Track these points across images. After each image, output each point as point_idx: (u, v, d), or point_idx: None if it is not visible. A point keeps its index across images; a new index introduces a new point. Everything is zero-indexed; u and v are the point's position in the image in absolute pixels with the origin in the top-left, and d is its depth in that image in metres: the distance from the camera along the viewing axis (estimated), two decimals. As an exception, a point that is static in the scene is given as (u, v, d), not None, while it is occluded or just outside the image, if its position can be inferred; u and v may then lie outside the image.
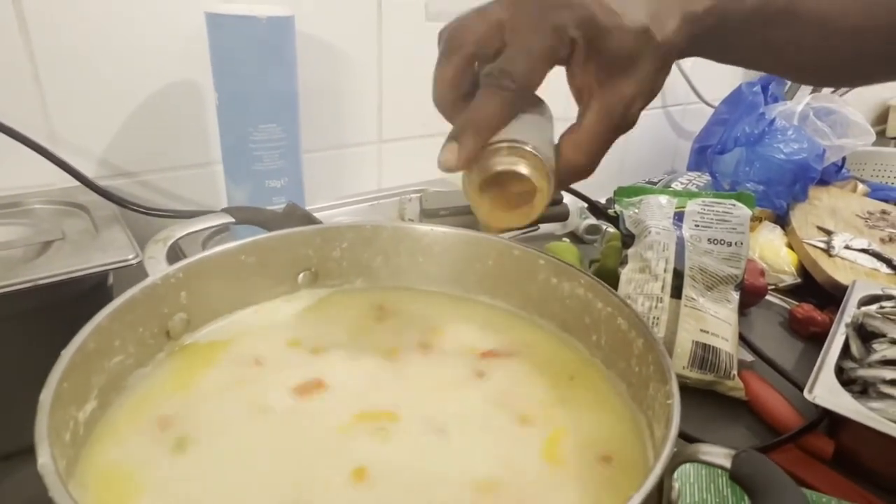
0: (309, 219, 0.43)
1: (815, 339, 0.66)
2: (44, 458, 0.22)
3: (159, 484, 0.28)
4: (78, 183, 0.55)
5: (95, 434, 0.31)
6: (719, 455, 0.24)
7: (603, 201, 0.86)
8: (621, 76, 0.32)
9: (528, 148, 0.30)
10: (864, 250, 0.76)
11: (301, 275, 0.43)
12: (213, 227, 0.41)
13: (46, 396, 0.24)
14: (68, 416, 0.27)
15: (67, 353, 0.27)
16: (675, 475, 0.26)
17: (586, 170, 0.33)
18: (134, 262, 0.45)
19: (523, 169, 0.29)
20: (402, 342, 0.40)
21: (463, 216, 0.69)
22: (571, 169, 0.33)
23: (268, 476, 0.29)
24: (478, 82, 0.31)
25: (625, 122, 0.34)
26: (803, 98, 0.93)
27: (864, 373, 0.52)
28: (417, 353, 0.39)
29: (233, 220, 0.42)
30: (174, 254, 0.42)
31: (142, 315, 0.34)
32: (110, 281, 0.50)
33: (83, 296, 0.47)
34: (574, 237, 0.88)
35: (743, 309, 0.71)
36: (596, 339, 0.38)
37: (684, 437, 0.52)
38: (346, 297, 0.45)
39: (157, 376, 0.35)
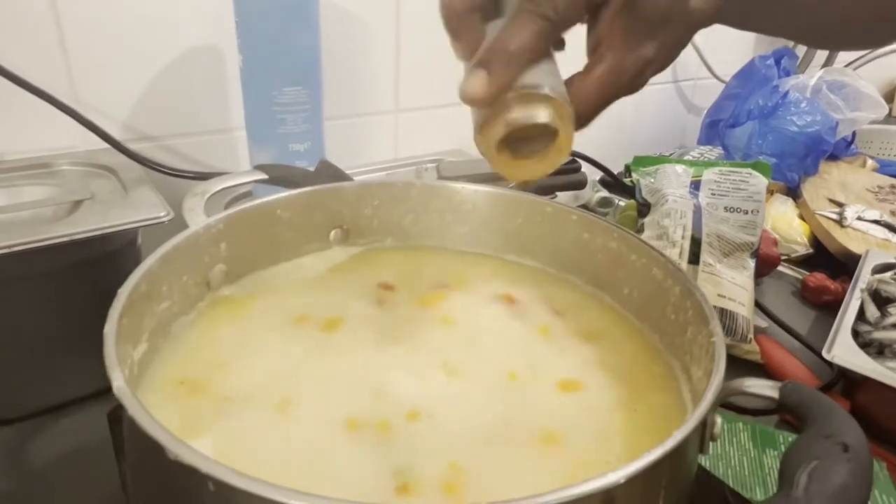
0: (342, 176, 0.44)
1: (827, 307, 0.67)
2: (118, 382, 0.22)
3: (215, 422, 0.29)
4: (103, 146, 0.55)
5: (147, 377, 0.31)
6: (765, 387, 0.25)
7: (615, 174, 0.87)
8: (646, 37, 0.31)
9: (553, 95, 0.27)
10: (875, 221, 0.77)
11: (333, 232, 0.44)
12: (246, 182, 0.42)
13: (111, 328, 0.25)
14: (126, 354, 0.28)
15: (124, 292, 0.28)
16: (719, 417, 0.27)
17: (583, 120, 0.32)
18: (165, 219, 0.45)
19: (552, 119, 0.27)
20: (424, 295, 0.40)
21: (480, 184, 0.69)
22: (578, 109, 0.30)
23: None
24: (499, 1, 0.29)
25: (632, 85, 0.32)
26: (816, 71, 0.94)
27: (879, 335, 0.54)
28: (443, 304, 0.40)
29: (265, 176, 0.42)
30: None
31: (186, 263, 0.35)
32: (139, 241, 0.50)
33: (112, 255, 0.48)
34: (586, 209, 0.89)
35: (756, 278, 0.72)
36: (628, 293, 0.38)
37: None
38: (377, 254, 0.45)
39: (199, 324, 0.36)
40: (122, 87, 0.60)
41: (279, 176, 0.42)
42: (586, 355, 0.35)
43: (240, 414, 0.30)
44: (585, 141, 1.08)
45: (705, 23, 0.33)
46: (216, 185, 0.40)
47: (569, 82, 0.31)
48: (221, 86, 0.64)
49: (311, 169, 0.44)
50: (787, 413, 0.23)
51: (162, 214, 0.46)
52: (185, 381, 0.31)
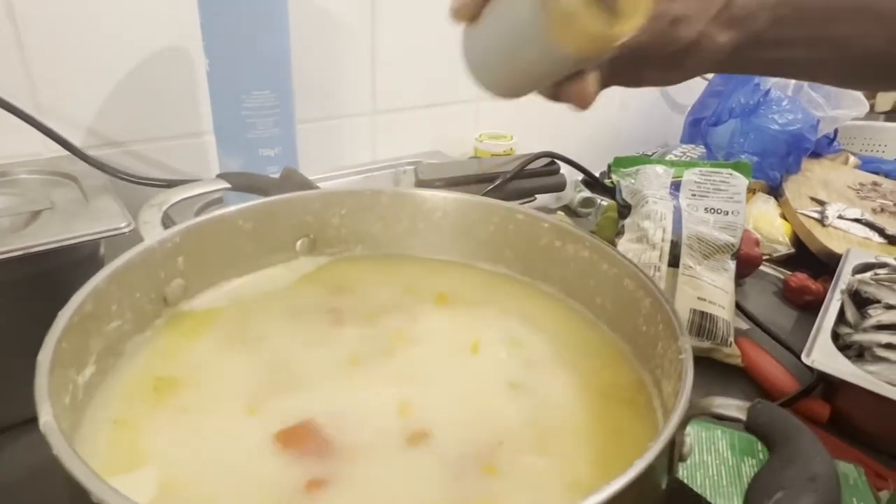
0: (307, 184, 0.42)
1: (809, 307, 0.66)
2: (46, 417, 0.21)
3: (162, 447, 0.28)
4: (65, 153, 0.53)
5: (96, 399, 0.30)
6: (733, 407, 0.24)
7: (597, 175, 0.86)
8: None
9: None
10: (856, 220, 0.76)
11: (299, 241, 0.42)
12: (208, 192, 0.40)
13: (45, 356, 0.24)
14: (67, 379, 0.27)
15: (65, 314, 0.26)
16: (689, 437, 0.26)
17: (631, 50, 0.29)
18: (126, 230, 0.44)
19: None
20: (393, 309, 0.39)
21: (458, 187, 0.68)
22: None
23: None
24: None
25: (662, 44, 0.31)
26: (797, 69, 0.93)
27: (859, 337, 0.53)
28: (407, 320, 0.39)
29: (228, 185, 0.41)
30: (167, 223, 0.41)
31: (139, 279, 0.33)
32: (102, 251, 0.48)
33: (74, 266, 0.46)
34: (569, 210, 0.88)
35: (738, 279, 0.72)
36: (601, 302, 0.37)
37: (683, 402, 0.52)
38: (345, 264, 0.44)
39: (156, 342, 0.34)
40: (85, 91, 0.58)
41: (243, 184, 0.41)
42: (555, 367, 0.34)
43: (194, 438, 0.29)
44: (568, 140, 1.08)
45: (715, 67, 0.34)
46: (175, 196, 0.38)
47: None
48: (190, 89, 0.62)
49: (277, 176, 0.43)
50: (755, 436, 0.22)
51: (122, 225, 0.44)
52: (133, 407, 0.30)
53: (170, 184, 0.55)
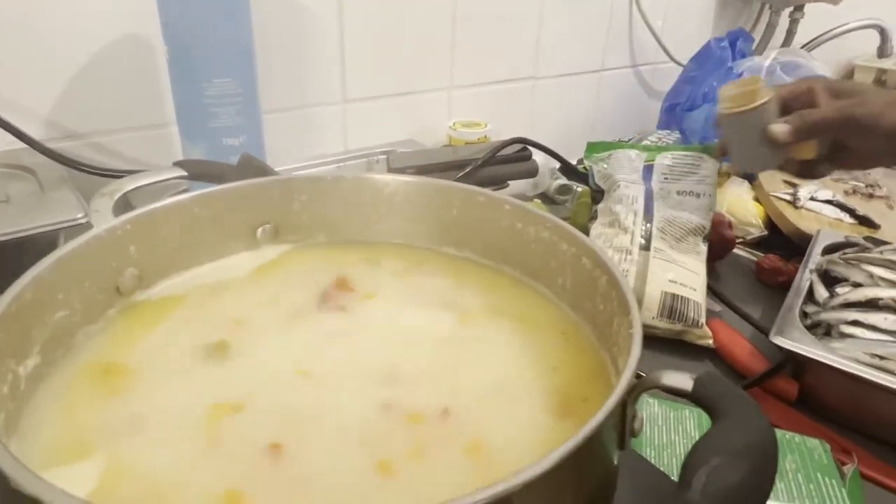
0: (266, 170, 0.42)
1: (781, 288, 0.66)
2: (-29, 405, 0.20)
3: (109, 441, 0.27)
4: (23, 145, 0.52)
5: (42, 390, 0.29)
6: (681, 379, 0.24)
7: (574, 162, 0.86)
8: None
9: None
10: (828, 201, 0.77)
11: (260, 229, 0.42)
12: (163, 180, 0.40)
13: (-24, 344, 0.23)
14: (5, 368, 0.26)
15: (1, 303, 0.26)
16: (641, 411, 0.26)
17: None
18: (83, 220, 0.43)
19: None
20: (358, 295, 0.39)
21: (430, 175, 0.67)
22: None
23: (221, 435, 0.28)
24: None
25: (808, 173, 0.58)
26: (771, 53, 0.93)
27: (826, 315, 0.53)
28: (375, 306, 0.38)
29: (184, 173, 0.40)
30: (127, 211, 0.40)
31: (88, 269, 0.32)
32: (61, 243, 0.47)
33: (32, 259, 0.45)
34: (545, 197, 0.88)
35: (712, 262, 0.72)
36: (562, 283, 0.37)
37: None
38: (307, 251, 0.43)
39: (107, 333, 0.34)
40: (43, 83, 0.57)
41: (199, 172, 0.40)
42: (516, 347, 0.34)
43: (141, 429, 0.28)
44: (545, 127, 1.08)
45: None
46: (128, 185, 0.37)
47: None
48: (153, 79, 0.61)
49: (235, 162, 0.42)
50: (699, 406, 0.22)
51: (79, 216, 0.43)
52: (80, 397, 0.29)
53: (129, 174, 0.54)
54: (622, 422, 0.25)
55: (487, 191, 0.40)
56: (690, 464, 0.19)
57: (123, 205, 0.42)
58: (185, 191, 0.59)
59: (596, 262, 0.33)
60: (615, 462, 0.26)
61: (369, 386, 0.31)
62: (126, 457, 0.26)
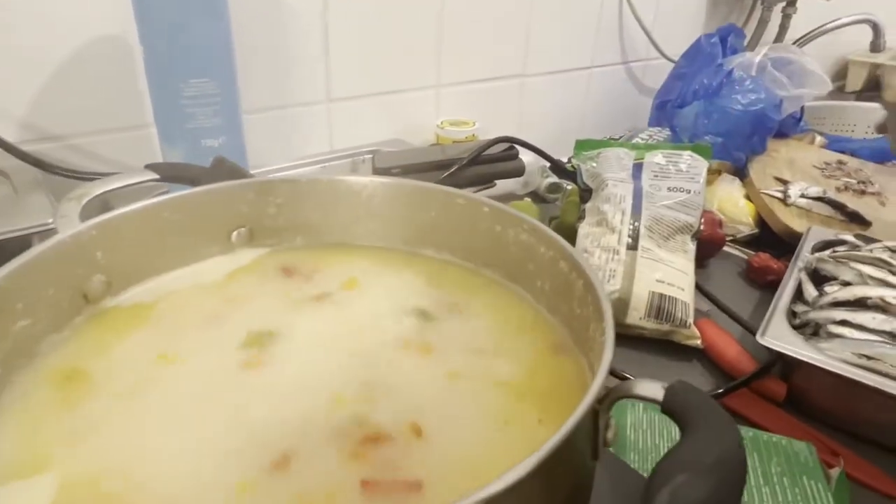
0: (240, 173, 0.41)
1: (771, 287, 0.66)
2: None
3: (68, 449, 0.26)
4: (-3, 148, 0.51)
5: (3, 401, 0.28)
6: (652, 388, 0.23)
7: (565, 160, 0.85)
8: None
9: None
10: (819, 198, 0.76)
11: (235, 233, 0.41)
12: (134, 183, 0.39)
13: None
14: (-41, 382, 0.25)
15: (-48, 314, 0.25)
16: (616, 419, 0.25)
17: None
18: (53, 225, 0.42)
19: None
20: (333, 299, 0.38)
21: (416, 174, 0.66)
22: None
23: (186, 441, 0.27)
24: None
25: None
26: (762, 49, 0.93)
27: (815, 315, 0.53)
28: (352, 310, 0.37)
29: (156, 176, 0.39)
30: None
31: (51, 276, 0.32)
32: (34, 248, 0.47)
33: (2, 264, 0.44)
34: (536, 196, 0.87)
35: (702, 260, 0.71)
36: (541, 286, 0.36)
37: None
38: (283, 255, 0.42)
39: (73, 341, 0.33)
40: (17, 84, 0.56)
41: (171, 174, 0.39)
42: (493, 351, 0.33)
43: (103, 440, 0.27)
44: (535, 125, 1.07)
45: None
46: (97, 189, 0.37)
47: None
48: (131, 79, 0.60)
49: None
50: (670, 417, 0.22)
51: (50, 221, 0.42)
52: (43, 405, 0.28)
53: (104, 176, 0.54)
54: (594, 431, 0.25)
55: (466, 192, 0.39)
56: (654, 481, 0.18)
57: (101, 209, 0.41)
58: (167, 192, 0.59)
59: (573, 265, 0.32)
60: (589, 471, 0.25)
61: (339, 399, 0.30)
62: (84, 470, 0.25)
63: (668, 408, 0.21)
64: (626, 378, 0.49)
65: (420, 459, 0.26)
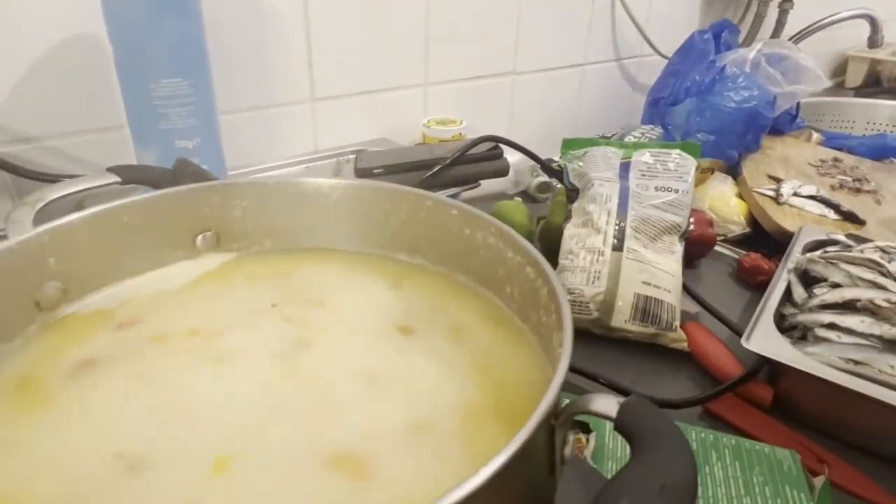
0: (204, 175, 0.40)
1: (762, 288, 0.64)
2: None
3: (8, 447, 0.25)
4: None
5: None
6: (606, 404, 0.22)
7: (556, 159, 0.84)
8: None
9: None
10: (812, 197, 0.75)
11: (200, 237, 0.40)
12: (94, 187, 0.38)
13: None
14: None
15: None
16: (573, 436, 0.24)
17: None
18: (4, 231, 0.41)
19: None
20: (304, 308, 0.37)
21: (399, 174, 0.65)
22: None
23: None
24: None
25: None
26: (756, 45, 0.91)
27: (803, 318, 0.51)
28: (322, 320, 0.36)
29: (118, 179, 0.38)
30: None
31: (-1, 284, 0.31)
32: None
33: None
34: (526, 195, 0.86)
35: (692, 260, 0.70)
36: (510, 292, 0.35)
37: (620, 391, 0.50)
38: (251, 260, 0.41)
39: (26, 351, 0.32)
40: (-12, 84, 0.55)
41: (133, 177, 0.38)
42: (456, 359, 0.32)
43: (45, 451, 0.26)
44: (525, 124, 1.06)
45: None
46: (53, 193, 0.36)
47: None
48: (105, 80, 0.59)
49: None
50: (622, 436, 0.20)
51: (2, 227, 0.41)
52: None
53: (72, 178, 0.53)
54: (551, 448, 0.23)
55: (436, 194, 0.38)
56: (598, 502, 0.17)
57: (72, 212, 0.40)
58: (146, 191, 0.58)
59: (538, 271, 0.31)
60: (547, 487, 0.24)
61: (308, 420, 0.29)
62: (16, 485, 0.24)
63: (620, 426, 0.20)
64: (585, 392, 0.48)
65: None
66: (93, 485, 0.25)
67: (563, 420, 0.23)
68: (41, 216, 0.36)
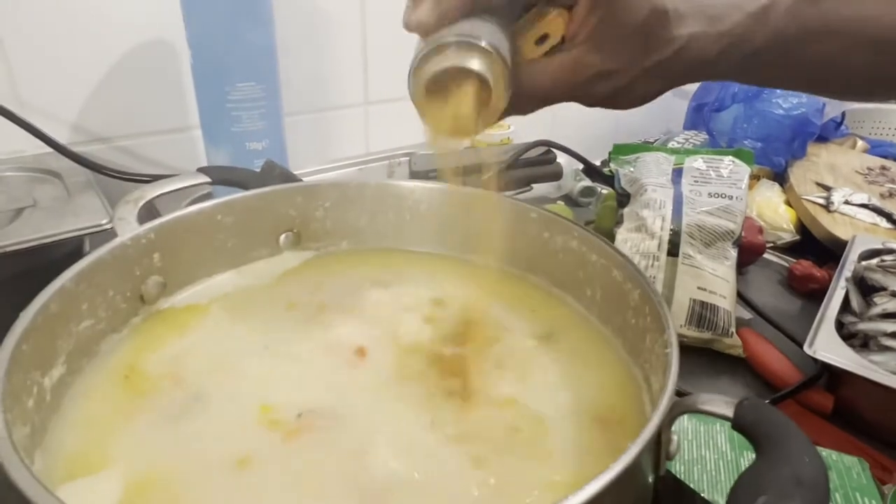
0: (289, 177, 0.41)
1: (813, 295, 0.64)
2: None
3: (132, 446, 0.27)
4: (50, 149, 0.52)
5: (67, 400, 0.29)
6: (720, 404, 0.22)
7: (598, 163, 0.84)
8: (611, 45, 0.29)
9: (490, 49, 0.27)
10: (863, 205, 0.74)
11: (283, 236, 0.41)
12: (187, 186, 0.39)
13: (2, 359, 0.23)
14: (31, 381, 0.26)
15: (27, 316, 0.26)
16: (674, 429, 0.25)
17: (527, 104, 0.31)
18: (108, 226, 0.43)
19: (483, 69, 0.27)
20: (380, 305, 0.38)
21: (435, 182, 0.67)
22: (529, 90, 0.29)
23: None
24: None
25: (584, 92, 0.31)
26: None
27: (864, 326, 0.51)
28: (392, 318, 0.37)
29: (208, 179, 0.40)
30: (151, 218, 0.40)
31: (112, 278, 0.32)
32: (87, 248, 0.48)
33: (58, 264, 0.45)
34: (569, 200, 0.86)
35: (741, 267, 0.70)
36: (591, 294, 0.36)
37: (680, 395, 0.51)
38: (331, 259, 0.43)
39: (132, 341, 0.34)
40: (68, 87, 0.57)
41: (223, 178, 0.40)
42: (543, 362, 0.33)
43: (165, 436, 0.28)
44: (568, 128, 1.06)
45: (697, 67, 0.32)
46: (152, 191, 0.37)
47: (529, 63, 0.30)
48: (177, 83, 0.61)
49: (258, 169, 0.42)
50: (742, 434, 0.21)
51: (104, 222, 0.43)
52: (104, 406, 0.29)
53: (154, 178, 0.55)
54: (658, 446, 0.24)
55: (516, 199, 0.39)
56: (735, 499, 0.17)
57: (147, 209, 0.42)
58: (209, 195, 0.60)
59: (627, 275, 0.32)
60: (649, 484, 0.25)
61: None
62: (149, 464, 0.26)
63: (740, 424, 0.21)
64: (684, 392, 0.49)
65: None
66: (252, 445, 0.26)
67: (670, 419, 0.24)
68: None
